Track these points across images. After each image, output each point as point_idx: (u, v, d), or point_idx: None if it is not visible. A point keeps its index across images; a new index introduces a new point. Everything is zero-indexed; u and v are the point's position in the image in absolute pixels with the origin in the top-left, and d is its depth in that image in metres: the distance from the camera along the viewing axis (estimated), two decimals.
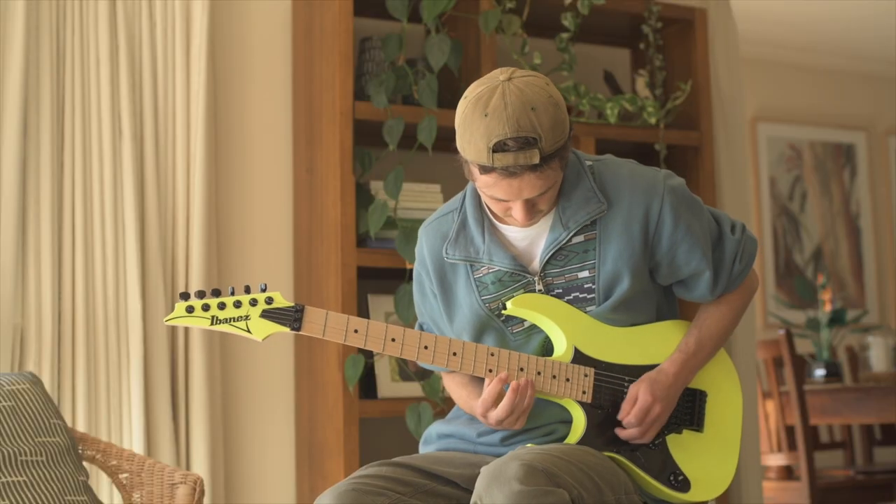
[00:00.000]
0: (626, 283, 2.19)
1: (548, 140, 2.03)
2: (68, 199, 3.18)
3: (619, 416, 2.20)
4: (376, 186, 3.35)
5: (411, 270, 3.16)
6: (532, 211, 2.13)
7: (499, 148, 2.02)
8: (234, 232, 3.48)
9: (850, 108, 6.77)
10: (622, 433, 2.20)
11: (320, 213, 3.34)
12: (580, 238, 2.20)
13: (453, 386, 2.36)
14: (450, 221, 2.29)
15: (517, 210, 2.12)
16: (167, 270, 3.27)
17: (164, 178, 3.30)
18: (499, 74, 2.09)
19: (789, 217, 6.48)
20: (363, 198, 3.33)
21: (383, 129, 3.29)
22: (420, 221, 3.29)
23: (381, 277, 3.46)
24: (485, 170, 2.06)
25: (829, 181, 6.65)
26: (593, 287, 2.20)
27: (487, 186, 2.10)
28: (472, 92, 2.09)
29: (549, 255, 2.19)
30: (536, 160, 2.02)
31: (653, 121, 3.71)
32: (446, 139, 3.46)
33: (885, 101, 6.86)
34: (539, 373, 2.16)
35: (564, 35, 3.56)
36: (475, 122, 2.05)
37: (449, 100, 3.45)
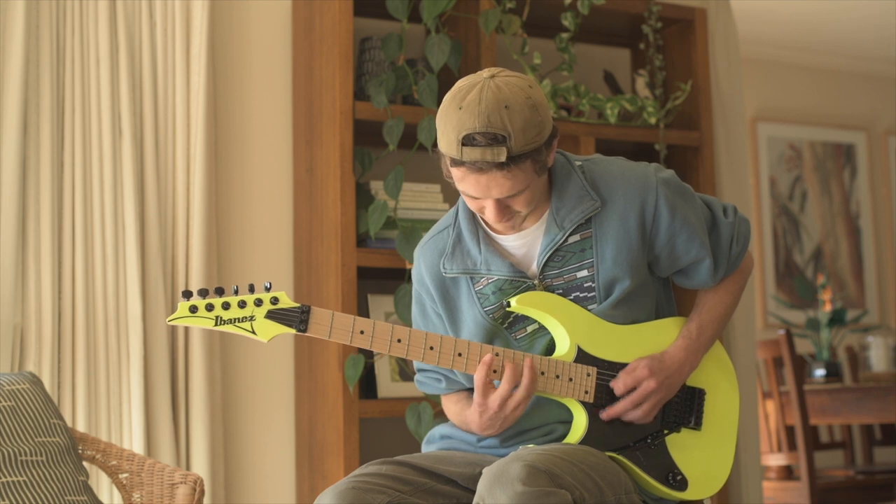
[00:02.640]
0: (626, 280, 2.19)
1: (517, 140, 2.02)
2: (68, 199, 3.17)
3: (611, 383, 2.20)
4: (376, 186, 3.35)
5: (411, 270, 3.16)
6: (505, 212, 2.12)
7: (468, 141, 2.02)
8: (234, 232, 3.48)
9: (850, 108, 6.77)
10: (613, 408, 2.19)
11: (320, 213, 3.34)
12: (576, 237, 2.20)
13: (449, 405, 2.36)
14: (445, 237, 2.28)
15: (489, 209, 2.11)
16: (167, 270, 3.27)
17: (164, 178, 3.30)
18: (485, 72, 2.10)
19: (789, 217, 6.48)
20: (363, 198, 3.33)
21: (383, 129, 3.29)
22: (420, 221, 3.29)
23: (381, 277, 3.46)
24: (455, 163, 2.07)
25: (829, 181, 6.65)
26: (593, 286, 2.20)
27: (459, 180, 2.10)
28: (456, 86, 2.10)
29: (547, 256, 2.19)
30: (502, 158, 2.02)
31: (653, 121, 3.71)
32: None
33: (885, 101, 6.86)
34: (543, 373, 2.16)
35: (564, 35, 3.56)
36: (450, 114, 2.06)
37: None
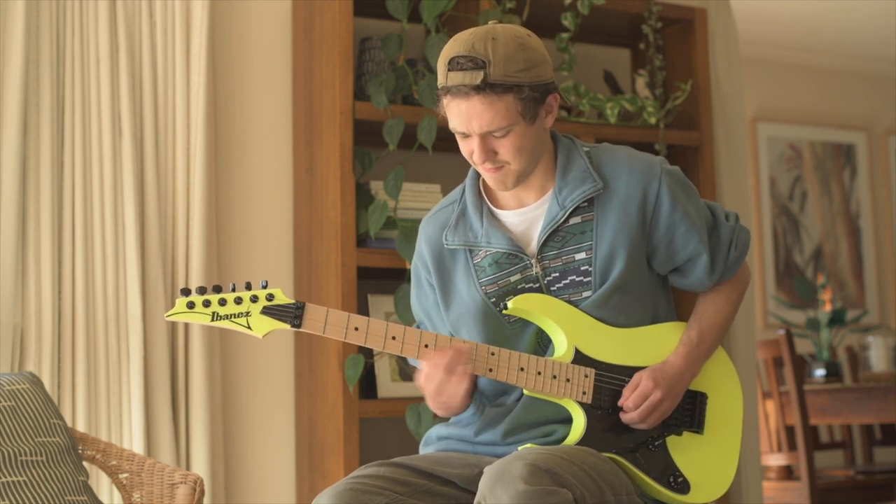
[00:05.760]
0: (621, 263, 2.19)
1: (496, 68, 2.08)
2: (68, 199, 3.18)
3: (620, 401, 2.20)
4: (376, 186, 3.35)
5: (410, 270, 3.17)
6: (489, 154, 2.15)
7: (452, 66, 2.11)
8: (234, 232, 3.48)
9: (850, 108, 6.77)
10: (623, 416, 2.20)
11: (320, 213, 3.34)
12: (577, 219, 2.22)
13: None
14: (450, 212, 2.33)
15: (475, 148, 2.15)
16: (167, 270, 3.27)
17: (164, 178, 3.30)
18: (493, 22, 2.19)
19: (789, 217, 6.48)
20: (363, 198, 3.33)
21: (383, 129, 3.29)
22: (420, 222, 3.29)
23: (381, 277, 3.46)
24: (443, 91, 2.14)
25: (829, 181, 6.65)
26: (590, 270, 2.20)
27: (447, 112, 2.16)
28: None
29: (546, 235, 2.21)
30: (478, 81, 2.07)
31: (653, 121, 3.71)
32: (446, 139, 3.47)
33: (885, 101, 6.86)
34: (539, 373, 2.16)
35: (564, 35, 3.56)
36: (445, 49, 2.14)
37: None
